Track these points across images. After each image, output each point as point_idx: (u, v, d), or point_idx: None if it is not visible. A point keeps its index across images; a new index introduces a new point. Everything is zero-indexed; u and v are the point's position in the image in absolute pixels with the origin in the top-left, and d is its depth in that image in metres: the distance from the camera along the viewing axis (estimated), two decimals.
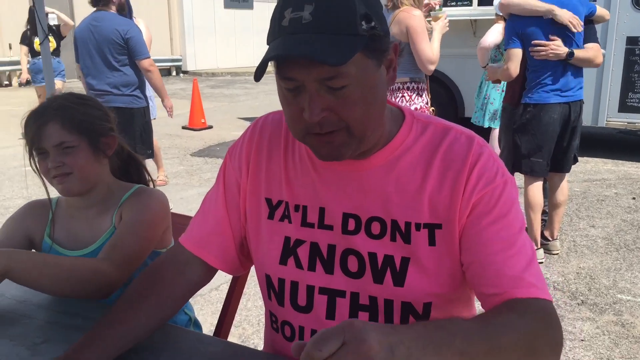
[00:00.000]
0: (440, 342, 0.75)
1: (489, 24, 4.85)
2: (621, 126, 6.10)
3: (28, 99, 6.37)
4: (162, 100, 4.42)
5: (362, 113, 0.89)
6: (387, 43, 0.91)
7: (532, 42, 3.21)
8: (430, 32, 3.36)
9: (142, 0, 14.45)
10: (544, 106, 3.30)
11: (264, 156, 1.07)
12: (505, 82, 3.62)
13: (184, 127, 8.05)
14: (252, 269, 1.24)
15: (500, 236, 0.93)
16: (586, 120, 5.85)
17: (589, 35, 3.35)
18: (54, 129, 1.31)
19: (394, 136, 0.99)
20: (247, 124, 8.40)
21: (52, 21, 7.17)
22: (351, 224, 0.99)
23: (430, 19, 3.49)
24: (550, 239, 3.62)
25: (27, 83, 7.61)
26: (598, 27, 3.58)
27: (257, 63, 0.86)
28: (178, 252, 1.12)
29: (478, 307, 1.03)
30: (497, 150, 4.33)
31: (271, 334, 1.13)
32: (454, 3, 6.39)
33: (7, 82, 13.44)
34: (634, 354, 2.50)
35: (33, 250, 1.41)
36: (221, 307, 1.55)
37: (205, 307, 2.91)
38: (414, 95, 3.43)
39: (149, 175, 1.58)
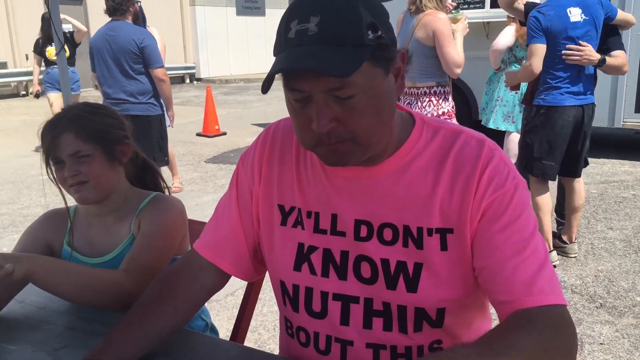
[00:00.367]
0: None
1: (501, 26, 4.83)
2: (638, 127, 6.02)
3: (45, 109, 6.48)
4: (167, 110, 4.45)
5: (370, 122, 0.89)
6: (395, 51, 0.91)
7: (567, 46, 3.17)
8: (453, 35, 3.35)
9: (156, 9, 14.63)
10: (557, 108, 3.25)
11: (276, 162, 1.08)
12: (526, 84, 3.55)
13: (198, 134, 8.11)
14: (267, 274, 1.25)
15: (511, 241, 0.92)
16: (602, 121, 5.79)
17: (615, 42, 3.30)
18: (68, 139, 1.33)
19: (404, 141, 0.99)
20: (261, 129, 8.41)
21: (66, 28, 6.99)
22: (363, 231, 0.99)
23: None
24: (567, 242, 3.57)
25: (38, 96, 7.27)
26: None
27: (270, 69, 0.87)
28: (192, 258, 1.13)
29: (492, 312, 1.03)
30: (513, 153, 4.30)
31: (286, 340, 1.13)
32: (466, 6, 6.37)
33: (24, 92, 13.65)
34: None
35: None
36: (237, 312, 1.56)
37: (222, 312, 2.92)
38: (441, 99, 3.42)
39: (164, 182, 1.59)
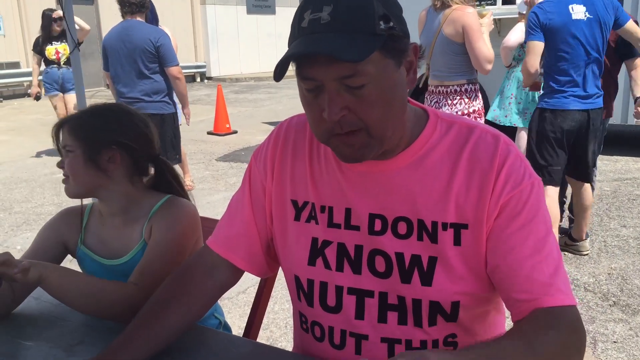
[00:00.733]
0: None
1: (513, 23, 4.80)
2: None
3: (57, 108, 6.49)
4: (183, 107, 4.50)
5: (381, 113, 0.89)
6: (407, 44, 0.91)
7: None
8: None
9: (167, 8, 14.69)
10: (561, 112, 3.12)
11: (289, 158, 1.08)
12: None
13: (209, 133, 8.14)
14: (279, 272, 1.25)
15: (529, 240, 0.93)
16: (615, 118, 5.73)
17: (632, 48, 3.19)
18: (64, 132, 1.38)
19: (418, 136, 0.99)
20: (272, 128, 8.44)
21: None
22: (377, 225, 1.00)
23: None
24: (578, 240, 3.54)
25: (38, 98, 6.64)
26: None
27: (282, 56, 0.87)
28: (205, 254, 1.14)
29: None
30: (523, 149, 4.28)
31: (301, 335, 1.14)
32: (477, 2, 6.34)
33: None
34: None
35: (67, 267, 1.43)
36: (248, 310, 1.57)
37: (233, 310, 2.93)
38: (472, 97, 3.33)
39: (179, 186, 1.49)
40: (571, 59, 3.06)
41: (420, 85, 3.62)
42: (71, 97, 6.30)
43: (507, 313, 1.00)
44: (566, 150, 3.20)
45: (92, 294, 1.20)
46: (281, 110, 10.40)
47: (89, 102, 1.88)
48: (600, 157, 3.92)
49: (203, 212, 1.43)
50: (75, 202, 1.46)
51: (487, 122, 4.28)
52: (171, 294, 1.09)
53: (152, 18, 4.41)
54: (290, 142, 1.09)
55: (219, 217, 1.21)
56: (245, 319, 1.56)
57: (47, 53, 6.38)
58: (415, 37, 2.68)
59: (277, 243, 1.11)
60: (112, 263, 1.40)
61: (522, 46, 4.53)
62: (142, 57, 4.06)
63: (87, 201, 1.48)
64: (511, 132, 4.53)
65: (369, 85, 0.87)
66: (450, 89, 3.34)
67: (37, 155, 6.91)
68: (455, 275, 0.96)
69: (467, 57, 3.24)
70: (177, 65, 4.21)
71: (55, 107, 6.59)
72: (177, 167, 4.82)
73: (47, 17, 6.32)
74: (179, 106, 4.93)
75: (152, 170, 1.48)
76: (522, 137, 4.67)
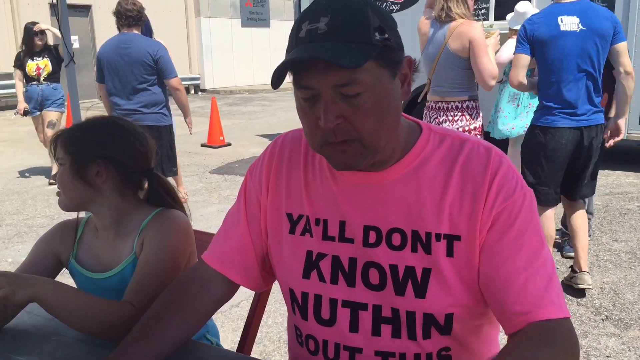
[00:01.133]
0: None
1: (505, 38, 4.85)
2: None
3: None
4: (186, 117, 4.52)
5: (375, 122, 0.91)
6: (401, 56, 0.94)
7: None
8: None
9: (162, 21, 14.74)
10: (550, 130, 2.96)
11: (284, 172, 1.09)
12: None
13: (202, 145, 8.13)
14: (274, 285, 1.25)
15: (522, 253, 0.94)
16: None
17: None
18: (58, 145, 1.38)
19: (411, 148, 1.01)
20: (265, 140, 8.47)
21: (51, 40, 6.08)
22: (372, 237, 1.00)
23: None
24: (577, 270, 3.20)
25: (26, 114, 6.01)
26: None
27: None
28: (201, 268, 1.14)
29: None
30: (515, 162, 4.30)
31: (296, 348, 1.14)
32: (477, 18, 6.41)
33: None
34: None
35: (64, 280, 1.41)
36: (242, 324, 1.56)
37: (226, 324, 2.92)
38: (474, 114, 3.31)
39: (173, 199, 1.47)
40: (559, 72, 2.91)
41: (419, 100, 3.62)
42: (48, 114, 5.95)
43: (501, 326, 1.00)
44: (558, 170, 3.03)
45: (88, 312, 1.16)
46: (275, 123, 10.42)
47: (87, 114, 1.87)
48: None
49: (196, 224, 1.43)
50: (68, 215, 1.46)
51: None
52: (166, 308, 1.09)
53: (147, 31, 4.43)
54: (286, 156, 1.10)
55: (212, 230, 1.21)
56: (239, 333, 1.56)
57: (27, 69, 5.90)
58: (413, 45, 2.63)
59: (272, 257, 1.12)
60: (99, 277, 1.39)
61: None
62: (141, 70, 4.08)
63: (83, 214, 1.48)
64: (504, 145, 4.56)
65: (364, 94, 0.88)
66: (451, 105, 3.31)
67: (29, 167, 6.88)
68: (449, 287, 0.97)
69: (471, 72, 3.23)
70: (176, 76, 4.25)
71: (36, 128, 6.24)
72: (170, 180, 4.82)
73: (28, 31, 5.89)
74: (173, 118, 4.94)
75: (146, 184, 1.46)
76: (514, 152, 4.72)
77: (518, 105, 4.59)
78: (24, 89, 5.98)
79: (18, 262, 2.88)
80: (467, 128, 3.30)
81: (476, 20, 3.39)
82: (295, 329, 1.12)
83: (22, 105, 5.96)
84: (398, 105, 0.96)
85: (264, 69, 18.55)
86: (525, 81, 3.04)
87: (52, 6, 3.20)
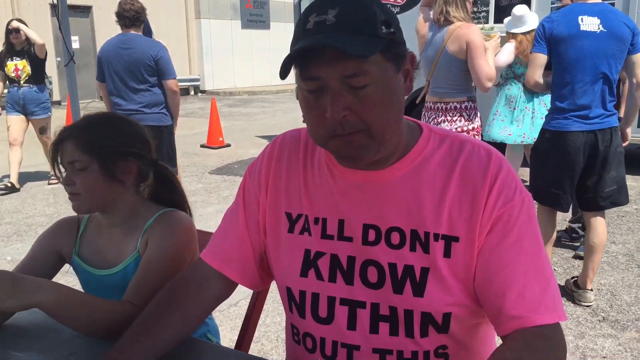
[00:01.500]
0: None
1: (503, 42, 4.87)
2: None
3: (52, 122, 6.47)
4: (173, 119, 4.50)
5: (382, 115, 0.91)
6: (405, 51, 0.95)
7: None
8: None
9: (162, 22, 14.75)
10: (562, 134, 2.87)
11: (284, 171, 1.10)
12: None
13: (202, 146, 8.14)
14: (272, 285, 1.26)
15: (521, 258, 0.95)
16: None
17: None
18: (68, 147, 1.34)
19: (411, 147, 1.02)
20: (265, 141, 8.47)
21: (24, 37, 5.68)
22: (371, 235, 1.01)
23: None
24: (581, 287, 3.10)
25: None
26: None
27: (274, 82, 0.89)
28: (199, 266, 1.15)
29: None
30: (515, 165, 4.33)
31: (293, 347, 1.14)
32: (476, 21, 6.43)
33: None
34: None
35: (66, 275, 1.39)
36: (240, 322, 1.57)
37: (225, 322, 2.93)
38: (472, 115, 3.33)
39: (179, 194, 1.49)
40: (575, 72, 2.81)
41: (418, 102, 3.64)
42: (37, 121, 5.83)
43: None
44: (570, 175, 2.93)
45: (90, 316, 1.15)
46: (274, 124, 10.43)
47: (82, 113, 1.86)
48: None
49: (196, 224, 1.44)
50: (67, 213, 1.46)
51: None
52: (165, 305, 1.09)
53: (147, 31, 4.44)
54: (285, 155, 1.11)
55: (211, 230, 1.22)
56: (237, 332, 1.57)
57: (6, 69, 5.69)
58: (412, 47, 2.64)
59: (270, 256, 1.13)
60: (103, 273, 1.39)
61: (510, 66, 4.60)
62: (142, 70, 4.09)
63: None
64: (502, 148, 4.58)
65: (371, 85, 0.89)
66: (450, 106, 3.34)
67: (28, 166, 6.88)
68: (447, 287, 0.98)
69: (469, 74, 3.26)
70: (175, 78, 4.25)
71: (8, 128, 5.84)
72: None
73: (9, 31, 5.66)
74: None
75: (151, 177, 1.46)
76: (511, 155, 4.75)
77: (514, 109, 4.61)
78: (8, 90, 5.82)
79: (17, 261, 2.89)
80: (465, 128, 3.32)
81: (475, 23, 3.40)
82: (292, 328, 1.13)
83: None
84: (402, 100, 0.96)
85: (263, 71, 18.57)
86: (541, 80, 2.96)
87: (53, 7, 3.21)
